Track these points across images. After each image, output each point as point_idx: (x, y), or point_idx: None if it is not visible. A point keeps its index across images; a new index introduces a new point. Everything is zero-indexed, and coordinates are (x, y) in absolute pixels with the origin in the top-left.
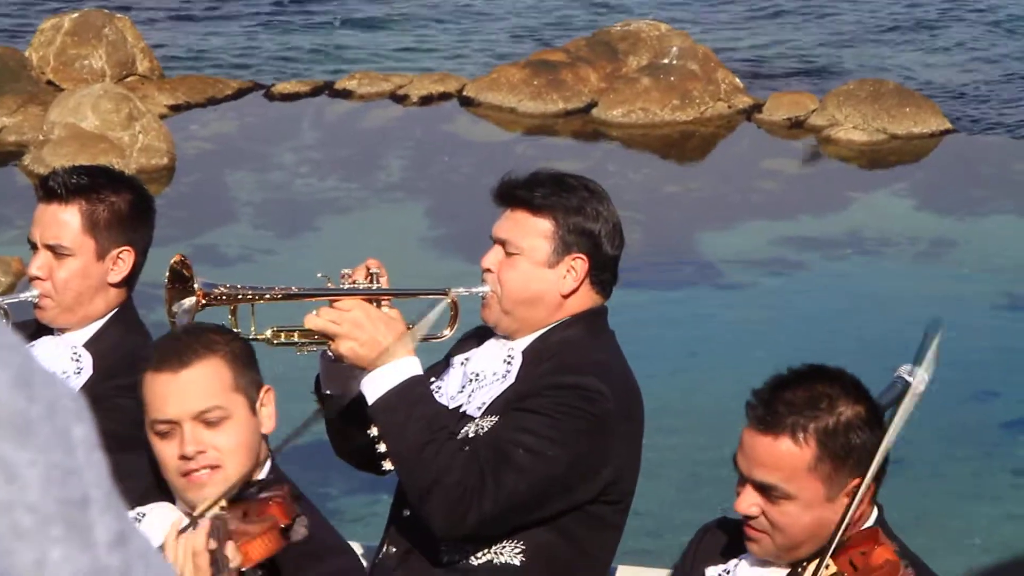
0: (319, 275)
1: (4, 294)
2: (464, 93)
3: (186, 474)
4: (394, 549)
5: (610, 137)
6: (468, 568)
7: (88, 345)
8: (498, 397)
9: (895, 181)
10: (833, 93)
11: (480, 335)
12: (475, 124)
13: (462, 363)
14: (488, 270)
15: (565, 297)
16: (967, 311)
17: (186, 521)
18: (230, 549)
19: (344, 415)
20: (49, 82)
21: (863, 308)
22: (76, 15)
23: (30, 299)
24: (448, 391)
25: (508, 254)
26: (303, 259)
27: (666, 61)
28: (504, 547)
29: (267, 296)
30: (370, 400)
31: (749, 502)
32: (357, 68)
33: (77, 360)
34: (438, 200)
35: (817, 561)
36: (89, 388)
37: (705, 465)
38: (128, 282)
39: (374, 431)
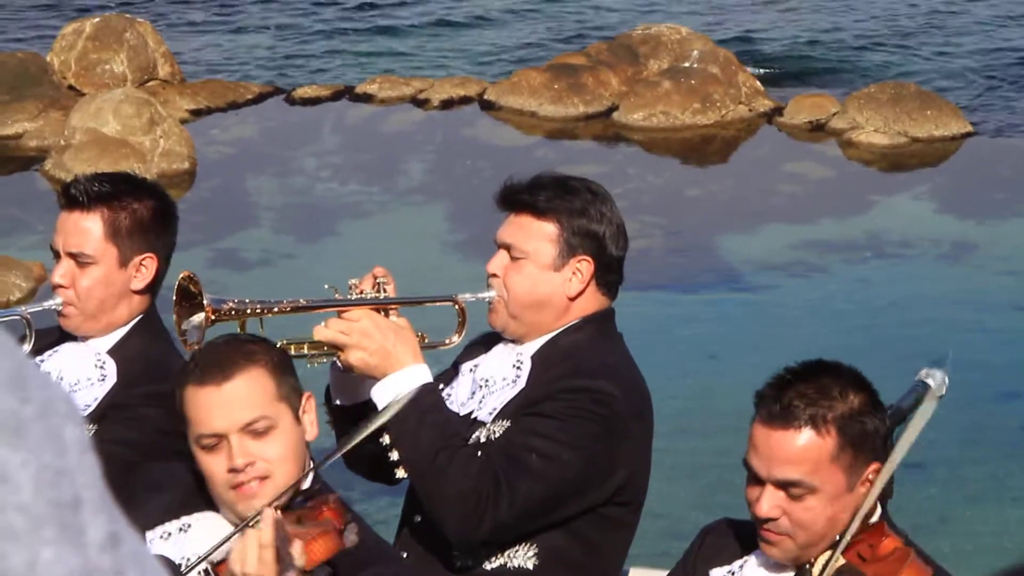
0: (326, 286)
1: (26, 300)
2: (485, 97)
3: (236, 486)
4: (406, 554)
5: (631, 140)
6: (481, 573)
7: (112, 352)
8: (509, 402)
9: (916, 184)
10: (854, 96)
11: (487, 341)
12: (496, 128)
13: (471, 369)
14: (494, 275)
15: (572, 300)
16: (988, 313)
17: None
18: (295, 548)
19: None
20: (70, 87)
21: (884, 311)
22: (97, 19)
23: (53, 307)
24: (458, 398)
25: (513, 258)
26: (324, 263)
27: (687, 64)
28: (517, 551)
29: (275, 310)
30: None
31: (771, 504)
32: (378, 72)
33: (101, 367)
34: (459, 204)
35: (829, 553)
36: (113, 395)
37: (725, 468)
38: (151, 289)
39: (386, 439)
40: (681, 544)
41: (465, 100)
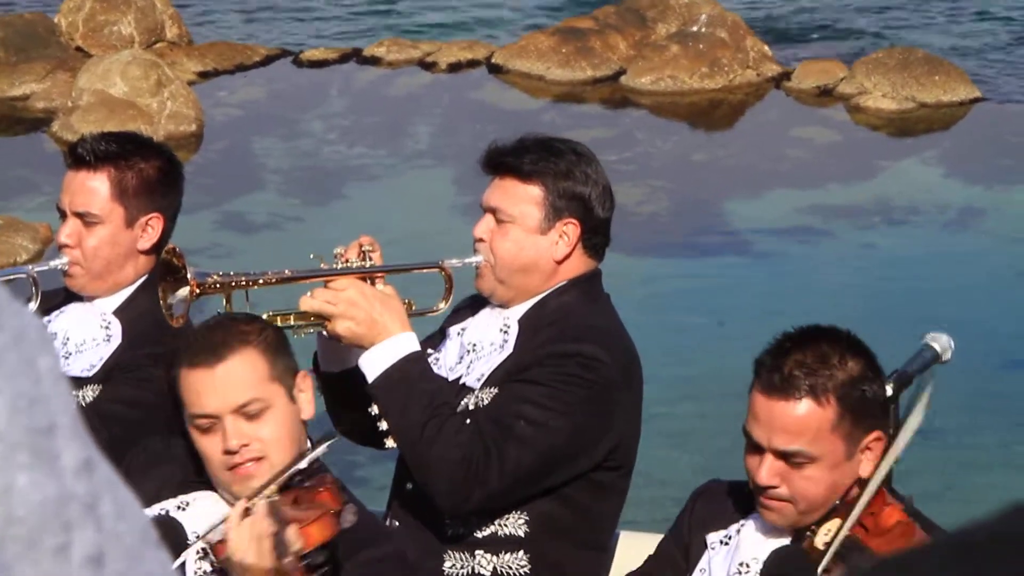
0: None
1: (33, 261)
2: (493, 60)
3: (232, 467)
4: (397, 523)
5: (639, 105)
6: (473, 541)
7: (118, 312)
8: (497, 368)
9: (924, 150)
10: (862, 61)
11: (475, 305)
12: (503, 91)
13: (459, 333)
14: (480, 239)
15: (559, 263)
16: (995, 280)
17: (243, 506)
18: (291, 533)
19: (344, 393)
20: (78, 48)
21: (891, 276)
22: None
23: (60, 267)
24: (446, 363)
25: (499, 222)
26: (331, 227)
27: (695, 28)
28: (508, 519)
29: (261, 281)
30: (369, 379)
31: (771, 472)
32: (386, 35)
33: (107, 327)
34: (466, 168)
35: (834, 525)
36: (119, 355)
37: (733, 434)
38: (157, 249)
39: (375, 410)
40: (677, 510)
41: (473, 63)
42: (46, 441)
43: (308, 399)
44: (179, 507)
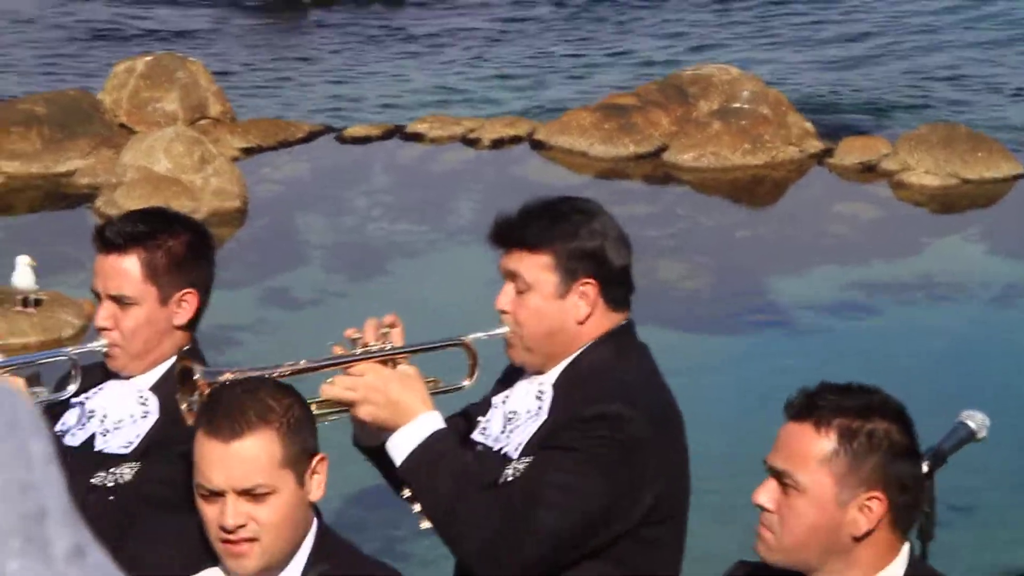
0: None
1: (77, 336)
2: (535, 136)
3: (224, 542)
4: None
5: (681, 181)
6: None
7: (155, 388)
8: (534, 435)
9: (967, 226)
10: (905, 137)
11: (515, 373)
12: (546, 167)
13: (503, 402)
14: (504, 311)
15: (582, 323)
16: None
17: None
18: None
19: (388, 466)
20: (122, 125)
21: (935, 353)
22: (149, 58)
23: (99, 349)
24: (492, 432)
25: (519, 292)
26: (374, 301)
27: (737, 105)
28: None
29: (276, 375)
30: (396, 463)
31: (765, 491)
32: (428, 112)
33: (144, 404)
34: None
35: None
36: (155, 432)
37: None
38: (193, 323)
39: (407, 492)
40: None
41: (515, 140)
42: (37, 527)
43: (320, 482)
44: None
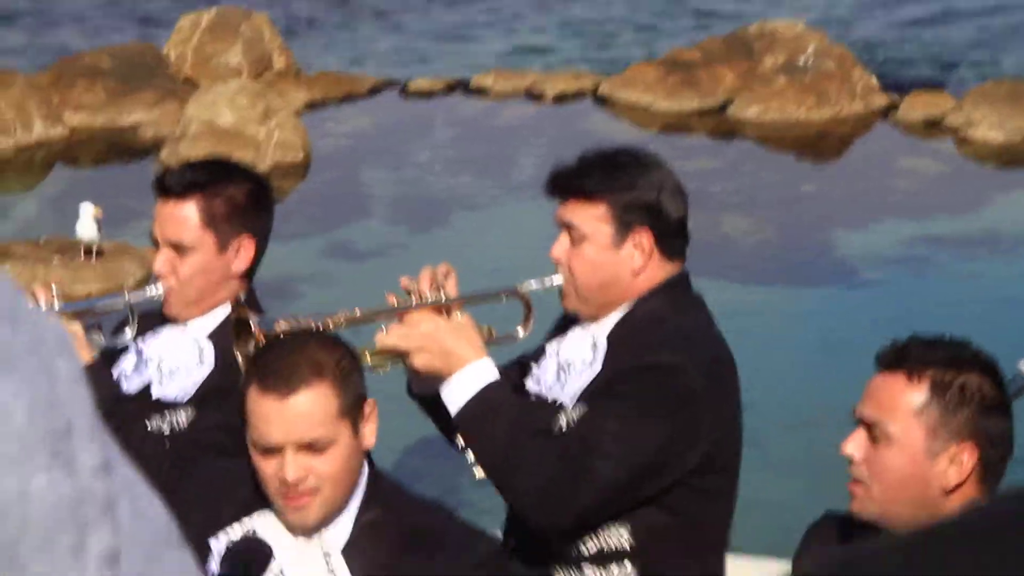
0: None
1: (140, 285)
2: (599, 91)
3: (286, 497)
4: (513, 541)
5: (745, 136)
6: (579, 556)
7: (212, 336)
8: (588, 385)
9: None
10: (970, 93)
11: (570, 322)
12: (609, 122)
13: (556, 352)
14: (558, 260)
15: (637, 274)
16: None
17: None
18: None
19: (443, 415)
20: (186, 78)
21: (998, 308)
22: (213, 12)
23: (156, 296)
24: (545, 380)
25: (574, 241)
26: (436, 254)
27: (802, 61)
28: (611, 532)
29: (330, 324)
30: (452, 412)
31: (855, 442)
32: (493, 65)
33: (200, 352)
34: None
35: None
36: (211, 380)
37: (838, 461)
38: (250, 271)
39: (461, 442)
40: (789, 536)
41: (579, 94)
42: (64, 442)
43: (372, 430)
44: (244, 533)
